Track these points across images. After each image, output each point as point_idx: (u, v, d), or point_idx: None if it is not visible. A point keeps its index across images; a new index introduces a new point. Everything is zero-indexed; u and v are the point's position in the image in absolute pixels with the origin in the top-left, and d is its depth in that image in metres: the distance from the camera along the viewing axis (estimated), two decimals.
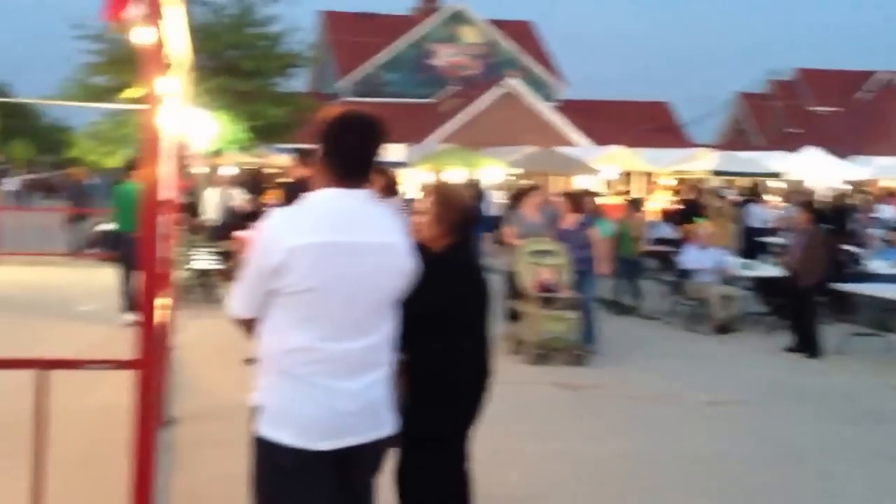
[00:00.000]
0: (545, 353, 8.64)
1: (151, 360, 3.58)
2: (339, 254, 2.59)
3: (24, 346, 8.36)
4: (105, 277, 10.68)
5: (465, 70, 39.49)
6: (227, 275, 12.62)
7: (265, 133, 20.90)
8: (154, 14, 3.77)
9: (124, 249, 9.86)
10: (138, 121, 20.55)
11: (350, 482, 2.74)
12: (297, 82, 26.53)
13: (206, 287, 11.51)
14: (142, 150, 3.73)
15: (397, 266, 2.74)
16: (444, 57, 39.91)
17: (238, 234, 13.42)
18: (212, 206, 14.91)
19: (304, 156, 8.69)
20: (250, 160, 23.62)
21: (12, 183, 38.74)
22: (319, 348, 2.59)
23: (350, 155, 2.69)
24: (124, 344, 8.53)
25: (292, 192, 8.23)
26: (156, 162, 3.71)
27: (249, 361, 7.93)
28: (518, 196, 11.33)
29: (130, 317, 9.76)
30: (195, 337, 8.65)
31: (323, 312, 2.59)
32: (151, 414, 3.60)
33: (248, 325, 2.74)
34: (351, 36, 39.04)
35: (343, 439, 2.64)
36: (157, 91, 4.02)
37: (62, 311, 10.28)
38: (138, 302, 9.65)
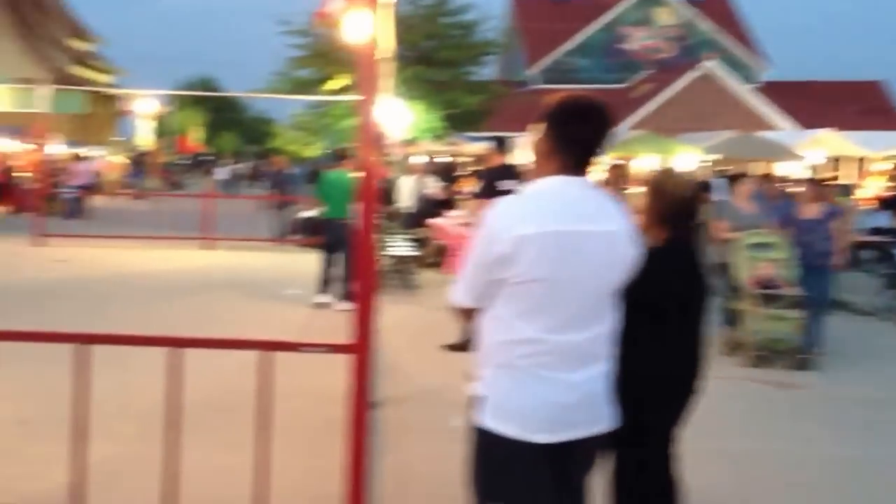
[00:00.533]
0: (764, 356, 8.05)
1: (367, 345, 3.64)
2: (566, 243, 2.51)
3: (233, 325, 8.89)
4: (307, 262, 11.11)
5: (659, 53, 38.44)
6: (421, 261, 12.87)
7: (458, 121, 21.16)
8: (366, 6, 3.82)
9: (329, 236, 10.27)
10: (340, 112, 21.51)
11: (567, 477, 2.67)
12: (488, 70, 26.72)
13: (402, 273, 11.76)
14: (358, 141, 3.79)
15: (622, 255, 2.63)
16: (636, 40, 39.00)
17: (432, 221, 13.72)
18: (406, 193, 15.24)
19: (501, 144, 8.66)
20: (443, 148, 23.99)
21: (221, 172, 41.17)
22: (544, 340, 2.52)
23: (580, 142, 2.60)
24: (326, 327, 8.88)
25: (490, 180, 8.26)
26: (373, 152, 3.76)
27: (449, 347, 8.04)
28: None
29: (325, 299, 10.18)
30: (392, 322, 8.83)
31: (549, 303, 2.52)
32: (365, 396, 3.68)
33: (469, 315, 2.71)
34: (541, 22, 38.86)
35: (563, 433, 2.57)
36: (372, 83, 4.05)
37: (268, 294, 10.79)
38: (343, 287, 10.09)
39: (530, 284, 2.49)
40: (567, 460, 2.64)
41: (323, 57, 18.93)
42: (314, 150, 55.41)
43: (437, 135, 20.79)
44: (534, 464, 2.57)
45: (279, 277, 12.09)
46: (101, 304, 9.86)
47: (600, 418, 2.67)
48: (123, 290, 10.92)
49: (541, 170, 2.64)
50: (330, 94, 18.12)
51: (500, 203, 2.59)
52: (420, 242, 13.19)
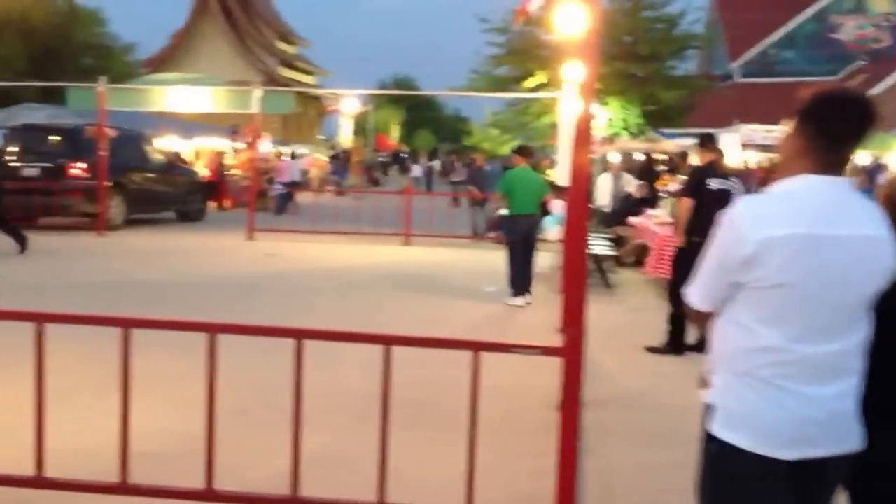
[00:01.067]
0: None
1: (578, 349, 3.56)
2: (819, 248, 2.31)
3: (434, 322, 9.01)
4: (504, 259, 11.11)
5: (875, 43, 35.98)
6: (620, 260, 12.61)
7: (657, 118, 20.63)
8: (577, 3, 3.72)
9: (513, 232, 10.27)
10: (537, 109, 21.50)
11: (805, 499, 2.47)
12: (688, 65, 25.91)
13: (601, 272, 11.55)
14: (574, 138, 3.69)
15: (880, 263, 2.40)
16: (850, 30, 36.68)
17: (631, 220, 13.42)
18: (604, 191, 14.99)
19: (709, 140, 8.29)
20: (640, 146, 23.49)
21: (417, 169, 42.10)
22: (790, 349, 2.34)
23: (838, 139, 2.39)
24: (524, 325, 8.84)
25: (698, 179, 7.93)
26: (586, 150, 3.65)
27: (651, 350, 7.78)
28: None
29: (518, 299, 10.15)
30: (591, 322, 8.65)
31: (796, 311, 2.33)
32: (577, 400, 3.59)
33: (704, 319, 2.56)
34: (744, 13, 37.27)
35: (806, 450, 2.38)
36: (585, 80, 3.95)
37: (466, 291, 10.87)
38: (522, 283, 10.06)
39: (775, 289, 2.32)
40: (805, 481, 2.44)
41: (521, 54, 18.96)
42: (508, 147, 55.53)
43: (635, 131, 20.36)
44: (769, 480, 2.39)
45: (477, 274, 12.18)
46: (307, 297, 10.27)
47: (847, 438, 2.45)
48: (328, 284, 11.33)
49: (791, 168, 2.44)
50: (528, 92, 18.11)
51: (746, 202, 2.42)
52: (618, 241, 12.93)
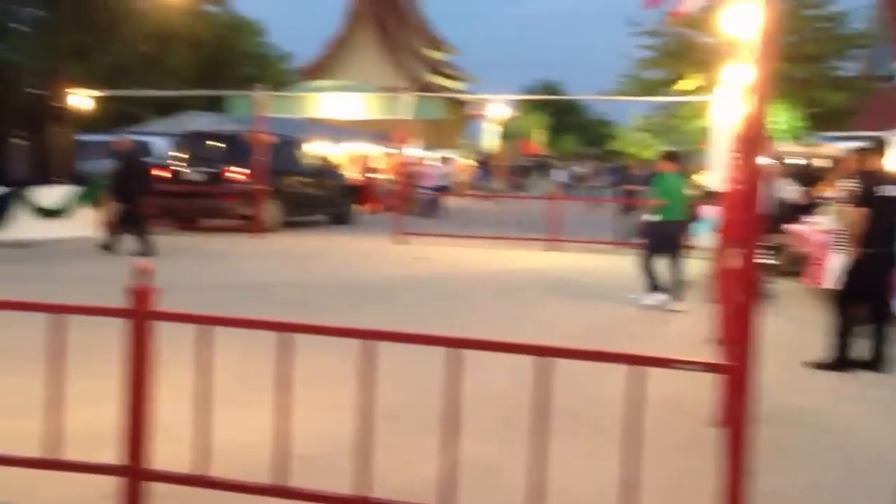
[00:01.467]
0: None
1: (747, 366, 3.39)
2: None
3: (582, 331, 8.87)
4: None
5: None
6: (778, 270, 12.07)
7: (820, 121, 19.72)
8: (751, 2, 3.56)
9: (659, 237, 10.13)
10: (689, 113, 20.95)
11: None
12: (852, 65, 24.64)
13: (759, 282, 11.08)
14: (740, 144, 3.53)
15: None
16: None
17: (790, 227, 12.83)
18: (761, 198, 14.42)
19: (879, 145, 7.81)
20: (797, 150, 22.50)
21: (561, 174, 41.84)
22: None
23: None
24: (673, 334, 8.58)
25: (867, 185, 7.47)
26: (756, 154, 3.49)
27: (815, 365, 7.40)
28: None
29: (654, 299, 10.01)
30: None
31: None
32: (744, 421, 3.42)
33: None
34: None
35: None
36: (757, 82, 3.77)
37: (614, 298, 10.65)
38: (664, 287, 9.85)
39: None
40: None
41: (673, 57, 18.53)
42: (653, 152, 54.41)
43: (797, 135, 19.53)
44: None
45: (622, 280, 11.94)
46: (455, 302, 10.32)
47: None
48: (475, 289, 11.36)
49: None
50: (680, 95, 17.66)
51: None
52: (776, 250, 12.39)
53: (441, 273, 12.68)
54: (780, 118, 18.15)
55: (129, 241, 13.46)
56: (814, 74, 19.05)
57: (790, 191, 14.28)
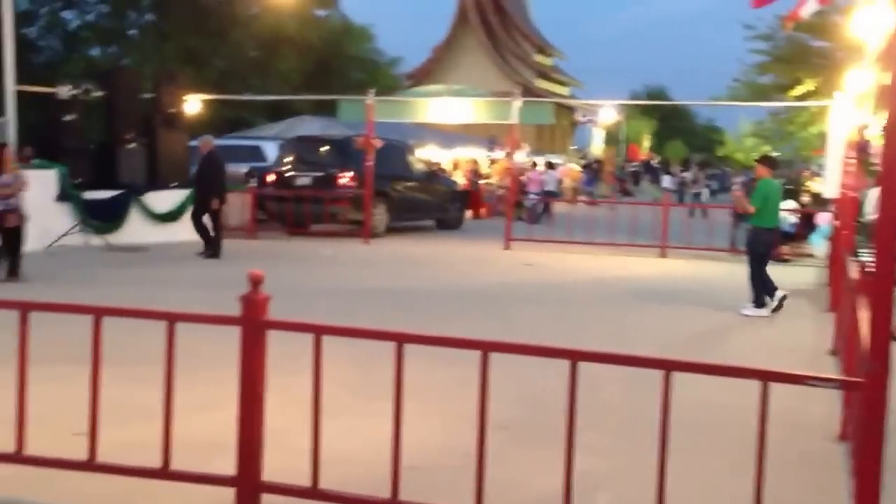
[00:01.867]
0: None
1: (884, 384, 3.14)
2: None
3: (695, 342, 8.56)
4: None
5: None
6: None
7: None
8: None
9: (759, 244, 9.89)
10: (804, 118, 20.19)
11: None
12: None
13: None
14: (855, 151, 3.26)
15: None
16: None
17: None
18: (874, 203, 13.76)
19: None
20: None
21: (668, 180, 40.97)
22: None
23: None
24: (788, 344, 8.20)
25: None
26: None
27: None
28: None
29: (764, 310, 9.72)
30: None
31: None
32: (880, 443, 3.18)
33: None
34: None
35: None
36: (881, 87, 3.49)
37: (724, 307, 10.23)
38: (759, 294, 9.56)
39: None
40: None
41: (789, 62, 17.85)
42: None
43: None
44: None
45: (735, 290, 11.50)
46: (568, 309, 10.14)
47: None
48: (588, 296, 11.13)
49: None
50: (796, 101, 17.00)
51: None
52: None
53: (551, 280, 12.50)
54: None
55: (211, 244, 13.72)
56: None
57: None
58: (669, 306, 10.49)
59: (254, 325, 3.77)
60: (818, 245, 13.42)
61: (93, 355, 3.86)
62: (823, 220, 12.59)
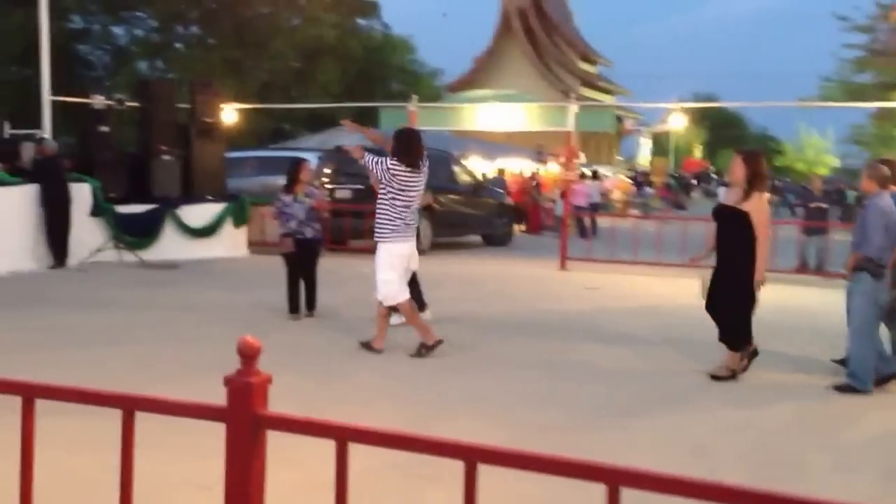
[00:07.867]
0: None
1: None
2: None
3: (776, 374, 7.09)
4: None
5: None
6: None
7: None
8: None
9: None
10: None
11: None
12: None
13: None
14: None
15: None
16: None
17: None
18: None
19: None
20: None
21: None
22: None
23: None
24: None
25: None
26: None
27: None
28: None
29: None
30: None
31: None
32: None
33: None
34: None
35: None
36: None
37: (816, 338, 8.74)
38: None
39: None
40: None
41: (888, 56, 16.28)
42: (824, 168, 50.86)
43: None
44: None
45: (818, 319, 9.99)
46: (649, 347, 8.72)
47: None
48: (662, 330, 9.69)
49: None
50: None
51: None
52: None
53: (620, 308, 10.88)
54: None
55: None
56: None
57: None
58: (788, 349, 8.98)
59: (244, 420, 2.44)
60: None
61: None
62: None
